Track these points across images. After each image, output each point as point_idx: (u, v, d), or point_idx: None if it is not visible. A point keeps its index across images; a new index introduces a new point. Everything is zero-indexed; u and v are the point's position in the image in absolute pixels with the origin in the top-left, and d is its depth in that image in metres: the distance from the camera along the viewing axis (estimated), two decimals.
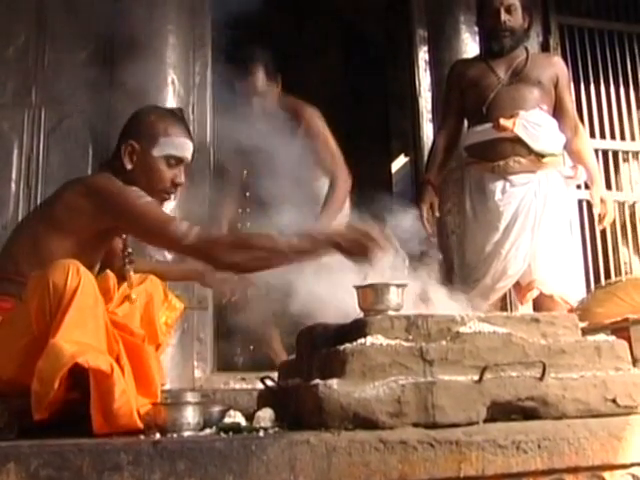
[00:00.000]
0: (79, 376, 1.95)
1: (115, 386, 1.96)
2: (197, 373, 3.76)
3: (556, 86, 3.61)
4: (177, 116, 2.62)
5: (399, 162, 6.96)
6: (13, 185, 3.82)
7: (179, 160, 2.51)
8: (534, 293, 3.44)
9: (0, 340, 2.10)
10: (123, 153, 2.46)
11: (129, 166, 2.45)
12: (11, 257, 2.33)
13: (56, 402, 1.97)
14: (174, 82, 3.97)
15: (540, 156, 3.46)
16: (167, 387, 3.04)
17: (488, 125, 3.52)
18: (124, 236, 2.61)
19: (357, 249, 2.24)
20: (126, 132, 2.53)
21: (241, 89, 3.63)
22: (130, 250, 2.62)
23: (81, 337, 1.97)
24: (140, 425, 1.96)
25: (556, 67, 3.66)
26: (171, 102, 3.93)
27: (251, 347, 4.98)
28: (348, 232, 2.31)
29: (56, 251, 2.25)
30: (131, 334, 2.20)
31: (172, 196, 2.61)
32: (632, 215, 4.86)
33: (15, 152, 3.86)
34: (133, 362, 2.10)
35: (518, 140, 3.45)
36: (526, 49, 3.70)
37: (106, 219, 2.32)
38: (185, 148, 2.54)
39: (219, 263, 2.34)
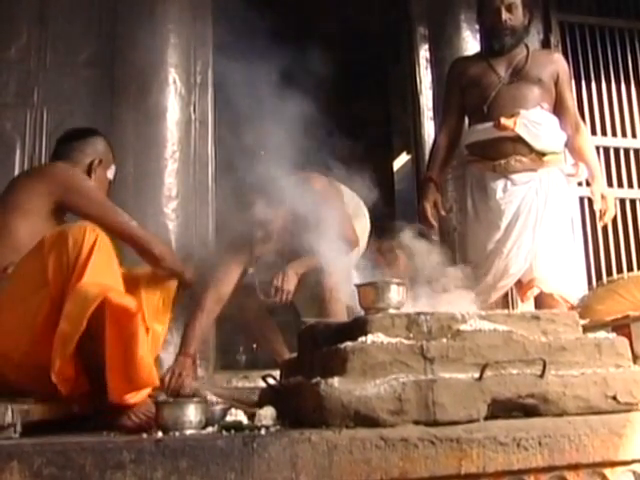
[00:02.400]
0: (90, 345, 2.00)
1: (139, 328, 2.03)
2: (199, 372, 3.77)
3: (557, 83, 3.60)
4: None
5: (401, 160, 6.97)
6: None
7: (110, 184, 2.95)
8: (535, 291, 3.44)
9: (9, 313, 2.14)
10: (91, 164, 2.80)
11: (92, 176, 2.80)
12: None
13: (67, 380, 2.02)
14: (175, 81, 3.97)
15: (541, 155, 3.46)
16: None
17: (489, 124, 3.51)
18: None
19: None
20: (92, 145, 2.87)
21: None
22: None
23: (104, 281, 2.09)
24: (157, 382, 2.04)
25: (557, 64, 3.65)
26: (172, 101, 3.94)
27: (254, 345, 5.00)
28: None
29: (19, 236, 2.38)
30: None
31: None
32: (634, 212, 4.86)
33: (17, 152, 3.87)
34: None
35: (519, 139, 3.45)
36: (526, 46, 3.68)
37: (62, 199, 2.52)
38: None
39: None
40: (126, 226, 2.60)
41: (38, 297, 2.11)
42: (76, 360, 2.04)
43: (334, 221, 3.19)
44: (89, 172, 2.77)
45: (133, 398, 2.05)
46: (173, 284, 2.80)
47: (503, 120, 3.45)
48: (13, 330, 2.11)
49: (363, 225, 3.93)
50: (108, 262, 2.17)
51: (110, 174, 2.90)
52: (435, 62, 4.67)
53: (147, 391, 2.12)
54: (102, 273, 2.11)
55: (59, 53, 4.01)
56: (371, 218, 3.93)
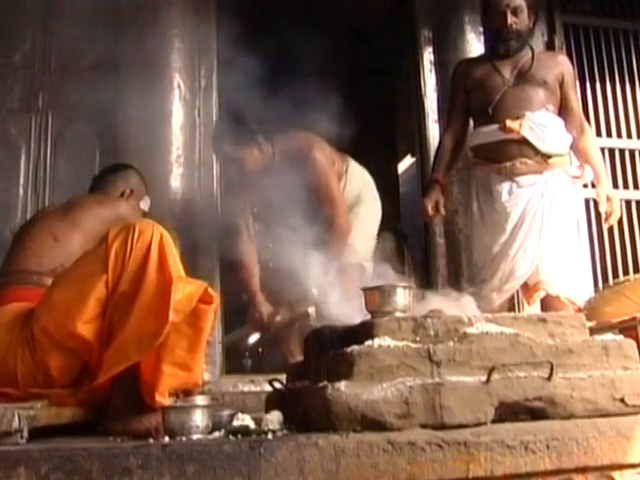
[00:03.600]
0: None
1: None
2: (206, 376, 3.76)
3: (561, 85, 3.60)
4: None
5: (405, 163, 6.97)
6: (21, 190, 3.84)
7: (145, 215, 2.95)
8: (541, 293, 3.43)
9: (67, 288, 2.22)
10: (124, 195, 2.91)
11: None
12: (31, 251, 2.49)
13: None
14: (180, 86, 3.98)
15: (547, 157, 3.45)
16: None
17: (494, 126, 3.51)
18: None
19: None
20: (122, 177, 2.99)
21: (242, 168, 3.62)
22: None
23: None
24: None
25: (561, 66, 3.65)
26: (177, 106, 3.95)
27: (259, 350, 4.99)
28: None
29: (73, 249, 2.46)
30: None
31: None
32: (639, 213, 4.85)
33: (23, 157, 3.88)
34: None
35: (525, 141, 3.44)
36: (531, 48, 3.68)
37: None
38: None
39: None
40: None
41: (94, 280, 2.19)
42: None
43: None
44: None
45: (163, 400, 2.11)
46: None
47: (509, 122, 3.45)
48: (64, 308, 2.17)
49: (372, 210, 3.91)
50: (175, 256, 2.26)
51: (144, 205, 3.00)
52: (439, 65, 4.66)
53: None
54: (174, 263, 2.21)
55: (63, 58, 4.02)
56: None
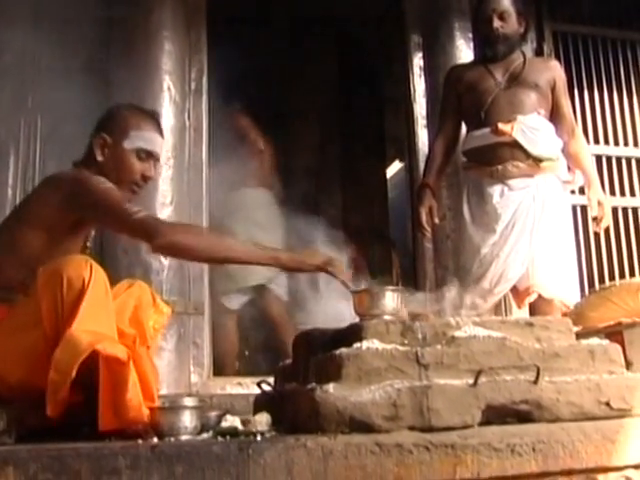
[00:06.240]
0: (85, 374, 1.99)
1: (130, 375, 2.01)
2: (193, 378, 3.77)
3: (553, 90, 3.62)
4: (150, 113, 2.71)
5: (394, 168, 7.00)
6: (10, 190, 3.81)
7: (149, 154, 2.59)
8: (532, 297, 3.45)
9: (6, 341, 2.13)
10: (95, 145, 2.54)
11: (100, 158, 2.54)
12: None
13: (61, 403, 2.01)
14: (170, 88, 3.98)
15: (538, 160, 3.47)
16: (163, 392, 3.05)
17: (486, 130, 3.53)
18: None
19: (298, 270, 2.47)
20: (99, 127, 2.62)
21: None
22: (89, 245, 2.67)
23: (96, 327, 2.04)
24: (146, 419, 2.00)
25: (553, 71, 3.67)
26: (167, 108, 3.94)
27: (246, 352, 5.01)
28: (296, 257, 2.45)
29: (35, 248, 2.32)
30: (121, 335, 2.22)
31: (140, 189, 2.64)
32: (625, 220, 4.89)
33: (12, 158, 3.85)
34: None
35: (516, 145, 3.46)
36: (523, 53, 3.71)
37: (72, 208, 2.38)
38: (155, 143, 2.63)
39: (156, 236, 2.30)
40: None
41: (33, 335, 2.10)
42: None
43: None
44: (95, 160, 2.54)
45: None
46: (167, 310, 2.72)
47: (500, 125, 3.47)
48: (9, 358, 2.11)
49: None
50: (103, 299, 2.11)
51: (130, 143, 2.56)
52: (429, 70, 4.68)
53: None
54: (95, 316, 2.06)
55: (53, 59, 4.00)
56: (364, 227, 3.96)
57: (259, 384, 2.31)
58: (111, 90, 3.87)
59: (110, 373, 2.00)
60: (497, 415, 1.90)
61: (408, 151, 4.79)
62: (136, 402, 2.02)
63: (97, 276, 2.10)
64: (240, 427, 1.93)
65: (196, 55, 4.21)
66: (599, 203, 3.62)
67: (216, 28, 4.33)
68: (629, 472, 1.89)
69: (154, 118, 2.70)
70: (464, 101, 3.70)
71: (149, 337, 2.56)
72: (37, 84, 3.98)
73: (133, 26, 3.97)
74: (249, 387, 3.62)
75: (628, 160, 5.00)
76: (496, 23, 3.58)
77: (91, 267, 2.09)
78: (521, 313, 3.63)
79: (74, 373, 1.95)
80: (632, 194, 4.95)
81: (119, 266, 3.53)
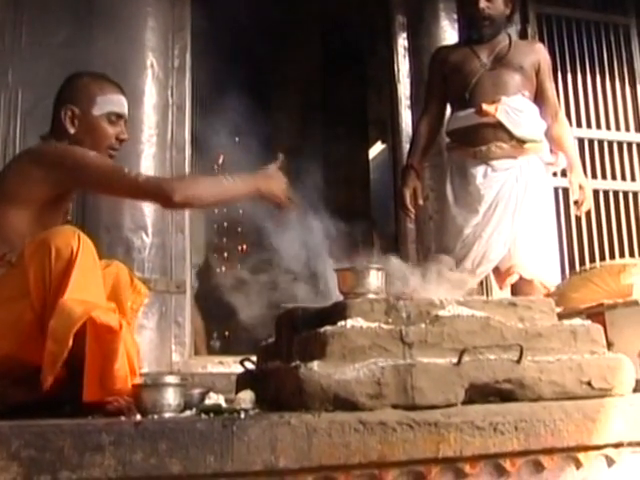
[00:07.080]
0: (73, 347, 1.97)
1: (120, 344, 2.01)
2: (175, 357, 3.76)
3: (538, 72, 3.62)
4: (107, 77, 2.70)
5: (376, 149, 6.98)
6: None
7: (119, 116, 2.60)
8: (514, 278, 3.47)
9: None
10: (64, 118, 2.50)
11: (72, 130, 2.51)
12: None
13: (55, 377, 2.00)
14: (153, 65, 3.94)
15: (521, 142, 3.48)
16: (145, 370, 3.05)
17: (471, 110, 3.53)
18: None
19: (270, 198, 2.54)
20: (62, 98, 2.57)
21: None
22: (69, 219, 2.66)
23: (87, 296, 2.04)
24: (130, 390, 1.99)
25: (538, 54, 3.68)
26: (150, 85, 3.91)
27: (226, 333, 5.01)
28: (269, 183, 2.53)
29: (15, 224, 2.30)
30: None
31: (116, 153, 2.63)
32: (606, 203, 4.92)
33: None
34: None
35: (500, 126, 3.46)
36: (509, 35, 3.71)
37: (60, 180, 2.35)
38: (122, 104, 2.64)
39: (172, 194, 2.33)
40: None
41: (20, 306, 2.08)
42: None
43: None
44: (66, 133, 2.50)
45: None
46: (145, 291, 2.71)
47: (484, 106, 3.47)
48: None
49: None
50: (92, 269, 2.11)
51: (99, 109, 2.53)
52: (413, 51, 4.68)
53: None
54: (85, 285, 2.06)
55: (35, 34, 3.95)
56: (346, 208, 3.94)
57: (242, 362, 2.31)
58: (93, 66, 3.81)
59: (100, 342, 1.99)
60: (480, 394, 1.91)
61: (392, 132, 4.79)
62: (123, 373, 2.02)
63: (85, 246, 2.09)
64: (224, 405, 1.93)
65: (180, 32, 4.17)
66: (580, 187, 3.63)
67: (199, 4, 4.28)
68: (609, 451, 1.92)
69: (113, 81, 2.69)
70: (449, 82, 3.70)
71: (128, 317, 2.55)
72: (18, 59, 3.93)
73: (116, 1, 3.92)
74: (230, 366, 3.62)
75: (610, 143, 5.04)
76: (482, 3, 3.56)
77: (79, 237, 2.09)
78: (502, 294, 3.65)
79: (70, 342, 1.95)
80: (613, 177, 4.99)
81: (101, 244, 3.47)
